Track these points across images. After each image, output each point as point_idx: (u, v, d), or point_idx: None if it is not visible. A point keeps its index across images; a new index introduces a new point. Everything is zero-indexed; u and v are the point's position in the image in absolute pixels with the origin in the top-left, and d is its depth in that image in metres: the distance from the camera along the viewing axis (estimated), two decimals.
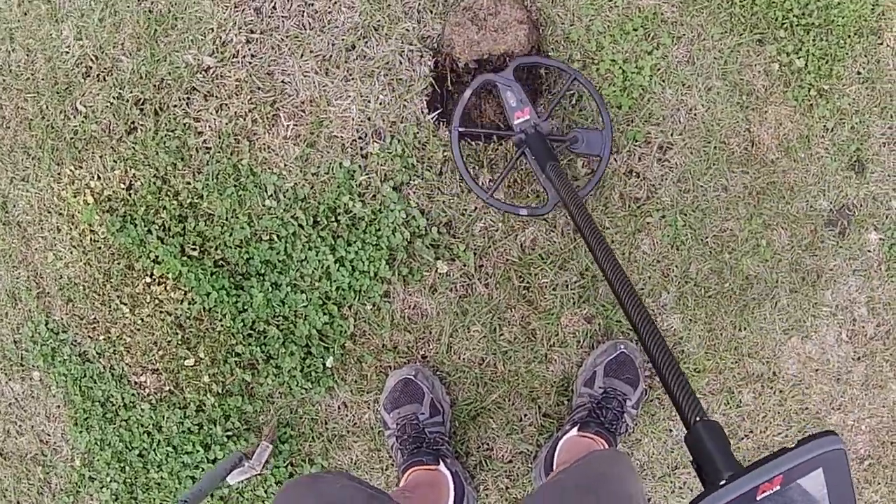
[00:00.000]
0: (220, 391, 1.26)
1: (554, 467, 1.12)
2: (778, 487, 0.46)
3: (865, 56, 1.31)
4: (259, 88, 1.25)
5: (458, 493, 1.09)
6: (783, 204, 1.27)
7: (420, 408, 1.12)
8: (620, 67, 1.22)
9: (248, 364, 1.24)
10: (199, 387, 1.26)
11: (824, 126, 1.28)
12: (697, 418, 0.54)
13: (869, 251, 1.32)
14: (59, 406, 1.35)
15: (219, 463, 1.14)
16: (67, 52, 1.32)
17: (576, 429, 1.10)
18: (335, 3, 1.26)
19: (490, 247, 1.22)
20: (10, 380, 1.37)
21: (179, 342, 1.26)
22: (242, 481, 1.18)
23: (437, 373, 1.22)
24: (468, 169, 1.14)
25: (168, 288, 1.25)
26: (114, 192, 1.29)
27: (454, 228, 1.22)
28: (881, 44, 1.32)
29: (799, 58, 1.28)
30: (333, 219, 1.21)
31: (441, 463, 1.09)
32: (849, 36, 1.30)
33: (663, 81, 1.23)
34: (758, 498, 0.46)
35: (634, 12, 1.24)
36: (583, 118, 1.22)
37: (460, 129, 1.12)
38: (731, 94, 1.26)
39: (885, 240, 1.32)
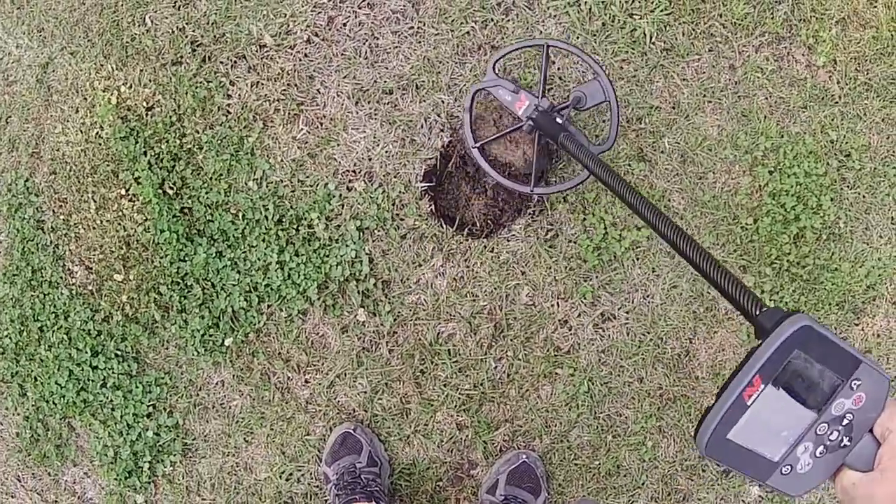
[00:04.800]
0: (129, 314, 1.35)
1: None
2: (762, 386, 0.46)
3: (836, 328, 1.32)
4: (295, 85, 1.34)
5: None
6: (686, 420, 1.30)
7: (358, 458, 1.19)
8: (605, 228, 1.26)
9: (163, 305, 1.33)
10: (116, 301, 1.35)
11: None
12: (758, 310, 0.52)
13: (744, 501, 1.33)
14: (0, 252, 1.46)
15: None
16: None
17: None
18: (397, 48, 1.33)
19: (411, 320, 1.28)
20: None
21: (119, 257, 1.35)
22: None
23: (373, 430, 1.28)
24: (504, 175, 1.14)
25: (135, 208, 1.34)
26: (136, 104, 1.38)
27: (390, 289, 1.28)
28: (857, 325, 1.33)
29: (771, 300, 1.30)
30: (295, 226, 1.28)
31: (374, 503, 1.13)
32: (830, 303, 1.31)
33: (637, 259, 1.27)
34: (749, 403, 0.46)
35: (645, 186, 1.28)
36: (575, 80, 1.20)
37: (477, 146, 1.14)
38: (691, 301, 1.29)
39: (764, 498, 1.33)
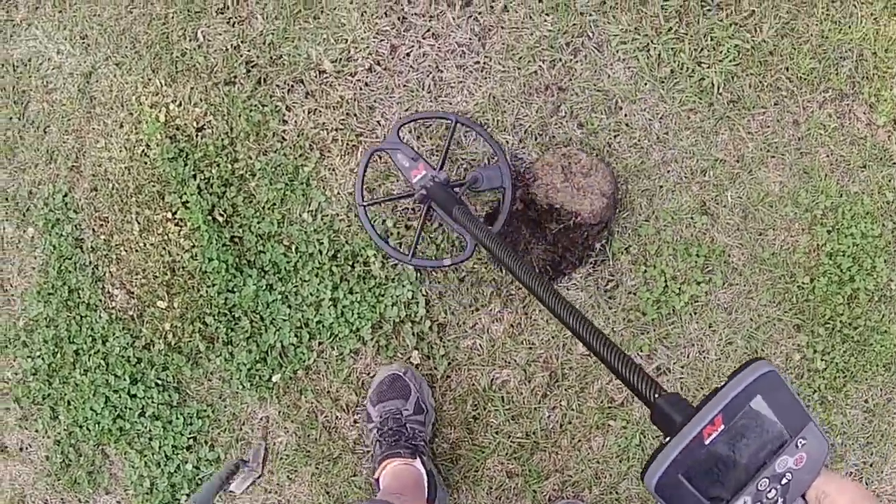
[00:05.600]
0: (172, 343, 1.30)
1: None
2: (722, 427, 0.46)
3: (881, 389, 1.33)
4: (355, 115, 1.30)
5: (430, 493, 1.11)
6: None
7: (405, 404, 1.15)
8: (666, 281, 1.25)
9: (209, 336, 1.29)
10: (158, 329, 1.31)
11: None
12: (657, 395, 0.54)
13: None
14: (34, 268, 1.40)
15: (216, 473, 1.12)
16: None
17: None
18: (461, 83, 1.30)
19: (465, 365, 1.26)
20: (7, 220, 1.43)
21: (163, 283, 1.30)
22: (248, 488, 1.18)
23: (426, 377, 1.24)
24: (383, 238, 1.15)
25: (181, 233, 1.30)
26: (185, 124, 1.33)
27: (445, 333, 1.26)
28: None
29: (822, 360, 1.31)
30: (351, 263, 1.25)
31: (417, 458, 1.11)
32: (877, 364, 1.32)
33: (694, 313, 1.26)
34: (706, 442, 0.46)
35: (706, 240, 1.27)
36: (477, 158, 1.21)
37: (363, 204, 1.15)
38: (745, 358, 1.29)
39: None
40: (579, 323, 0.64)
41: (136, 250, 1.33)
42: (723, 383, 0.48)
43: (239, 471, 1.13)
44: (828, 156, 1.32)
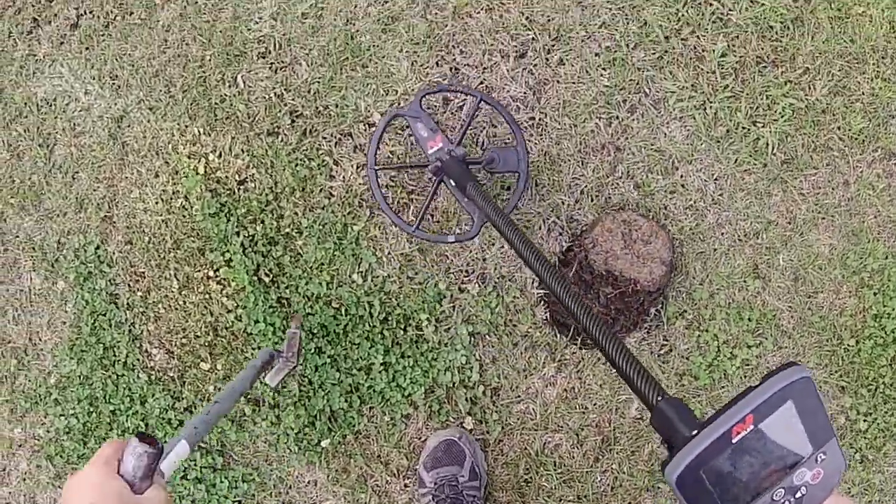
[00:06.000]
0: None
1: None
2: (751, 427, 0.46)
3: None
4: (407, 171, 1.26)
5: None
6: None
7: (461, 470, 1.14)
8: (718, 345, 1.25)
9: (254, 399, 1.26)
10: (200, 391, 1.27)
11: (846, 489, 1.34)
12: (659, 398, 0.53)
13: None
14: (64, 322, 1.34)
15: (248, 363, 1.05)
16: (257, 24, 1.31)
17: None
18: (516, 139, 1.26)
19: (518, 430, 1.25)
20: (34, 270, 1.36)
21: (206, 343, 1.26)
22: (284, 379, 1.10)
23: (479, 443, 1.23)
24: (390, 206, 1.12)
25: (224, 292, 1.25)
26: (226, 177, 1.28)
27: (498, 397, 1.25)
28: None
29: (864, 421, 1.33)
30: (403, 326, 1.22)
31: None
32: None
33: (745, 377, 1.27)
34: (733, 440, 0.46)
35: (758, 304, 1.28)
36: (497, 140, 1.21)
37: (374, 168, 1.13)
38: None
39: None
40: (589, 319, 0.62)
41: (176, 308, 1.28)
42: (757, 383, 0.46)
43: (273, 361, 1.07)
44: (875, 217, 1.33)
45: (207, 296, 1.26)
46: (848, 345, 1.30)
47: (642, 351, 1.24)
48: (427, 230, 1.17)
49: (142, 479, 0.61)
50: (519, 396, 1.24)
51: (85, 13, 1.36)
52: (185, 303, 1.28)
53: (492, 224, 0.85)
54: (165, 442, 0.66)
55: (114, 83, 1.34)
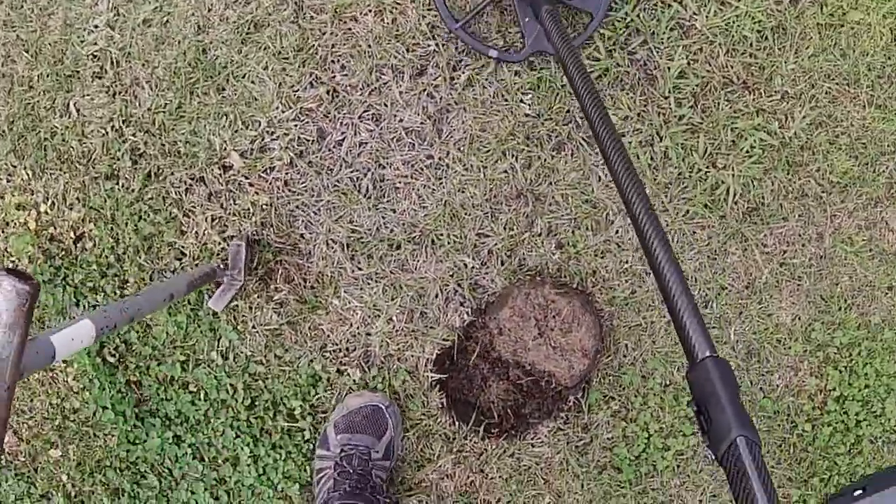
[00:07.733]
0: (73, 496, 1.12)
1: None
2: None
3: None
4: (272, 226, 1.02)
5: None
6: None
7: (377, 444, 0.98)
8: (648, 436, 1.07)
9: (112, 491, 1.10)
10: (55, 482, 1.12)
11: None
12: (707, 353, 0.47)
13: None
14: None
15: (181, 274, 0.87)
16: (91, 34, 1.03)
17: None
18: (409, 184, 1.02)
19: None
20: None
21: (55, 428, 1.10)
22: (231, 303, 0.96)
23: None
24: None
25: (68, 374, 1.07)
26: (60, 234, 1.06)
27: (387, 491, 1.08)
28: None
29: None
30: (272, 414, 1.04)
31: None
32: None
33: (673, 472, 1.09)
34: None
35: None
36: None
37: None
38: None
39: None
40: (640, 201, 0.56)
41: (20, 385, 1.10)
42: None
43: (216, 277, 0.92)
44: (850, 278, 1.09)
45: (51, 376, 1.08)
46: (803, 430, 1.11)
47: (557, 442, 1.06)
48: (470, 33, 0.96)
49: (10, 328, 0.43)
50: (411, 489, 1.08)
51: None
52: (28, 380, 1.10)
53: (554, 54, 0.79)
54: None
55: None
